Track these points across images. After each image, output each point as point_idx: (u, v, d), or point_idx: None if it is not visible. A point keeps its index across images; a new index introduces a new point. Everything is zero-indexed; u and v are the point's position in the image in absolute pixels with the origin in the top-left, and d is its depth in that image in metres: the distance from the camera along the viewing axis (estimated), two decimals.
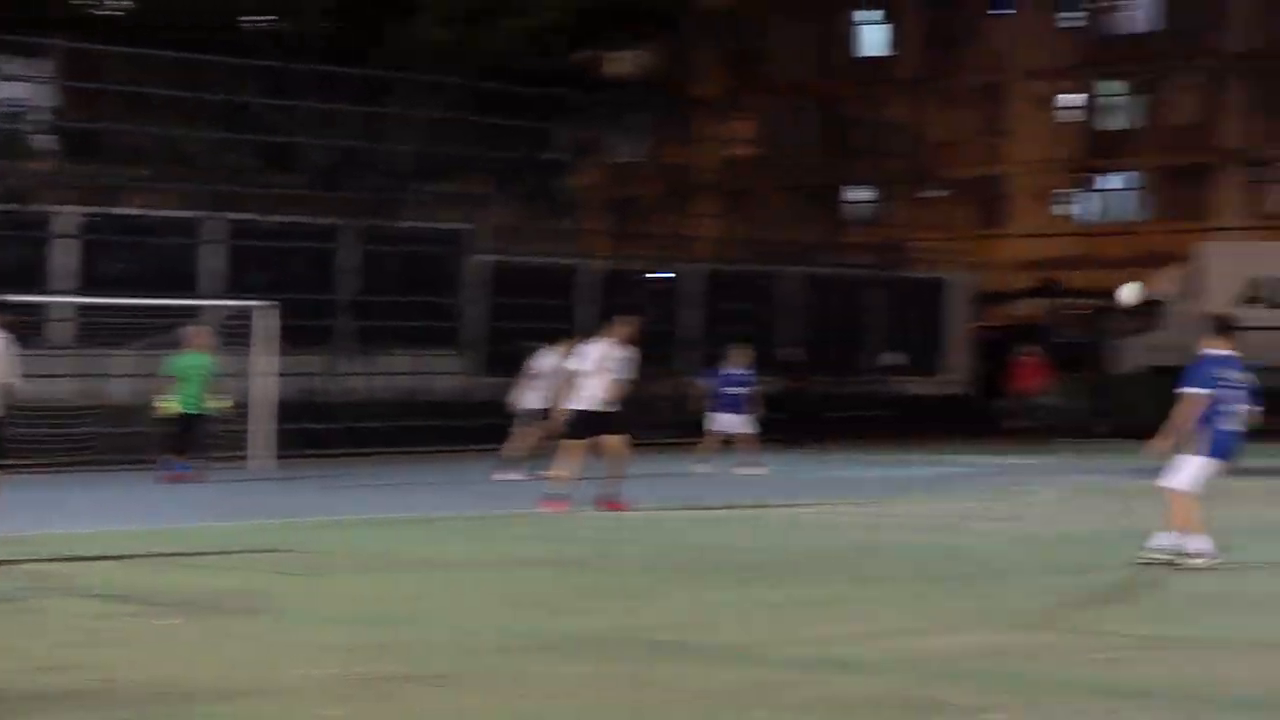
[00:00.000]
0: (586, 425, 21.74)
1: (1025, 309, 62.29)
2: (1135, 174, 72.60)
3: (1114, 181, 73.64)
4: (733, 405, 30.86)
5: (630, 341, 21.94)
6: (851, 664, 11.07)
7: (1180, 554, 15.98)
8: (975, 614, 13.26)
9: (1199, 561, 15.82)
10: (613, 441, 21.75)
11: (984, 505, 23.47)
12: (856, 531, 19.59)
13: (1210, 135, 69.79)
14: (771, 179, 48.77)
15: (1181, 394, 16.11)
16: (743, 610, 13.46)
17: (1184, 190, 70.75)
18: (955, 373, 46.50)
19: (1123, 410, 45.62)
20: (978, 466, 31.95)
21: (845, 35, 79.62)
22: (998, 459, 34.47)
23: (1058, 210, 73.90)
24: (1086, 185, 73.63)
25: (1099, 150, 72.61)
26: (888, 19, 78.76)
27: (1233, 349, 16.27)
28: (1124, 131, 72.84)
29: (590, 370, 21.76)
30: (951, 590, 14.75)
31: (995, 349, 51.86)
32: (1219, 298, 45.37)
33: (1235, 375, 16.15)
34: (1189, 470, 16.05)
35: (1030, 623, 12.80)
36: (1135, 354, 49.00)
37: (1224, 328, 16.56)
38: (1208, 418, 15.97)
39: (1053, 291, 60.83)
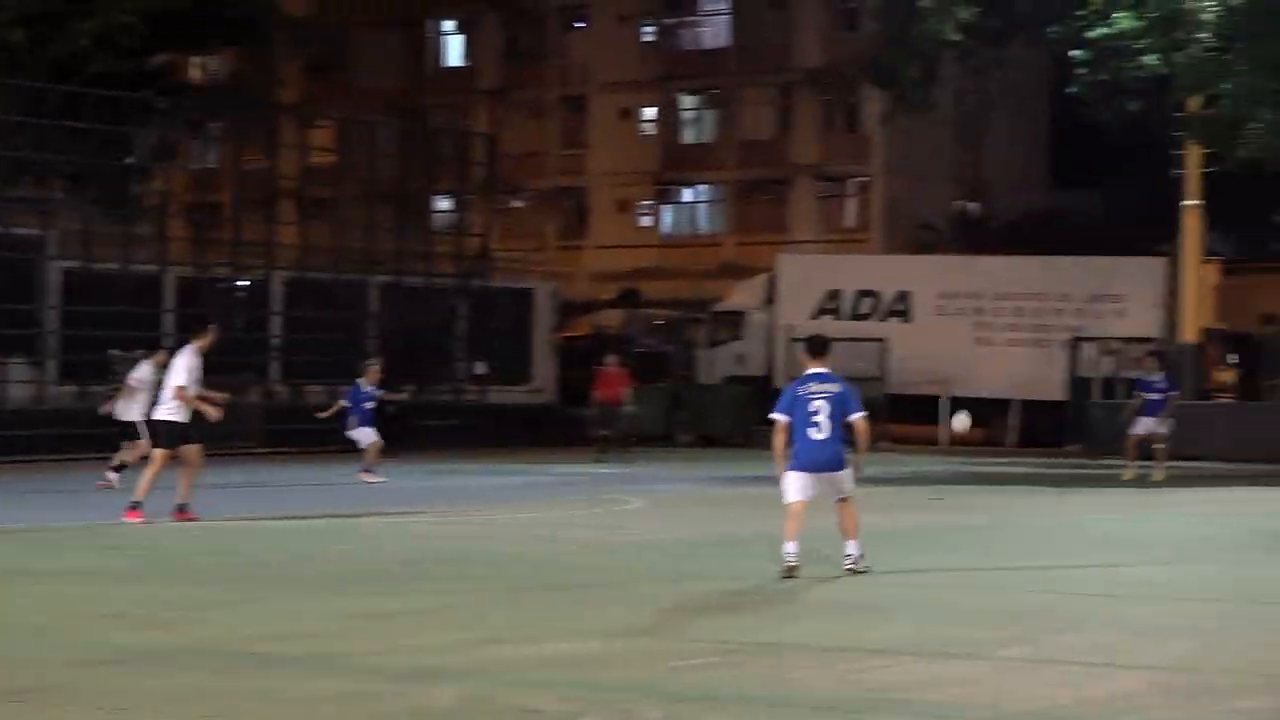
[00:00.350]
0: (170, 435, 21.35)
1: (607, 318, 62.94)
2: (714, 187, 73.94)
3: (693, 194, 74.91)
4: (368, 418, 30.67)
5: (210, 350, 21.57)
6: (444, 673, 10.97)
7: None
8: (569, 622, 13.25)
9: (789, 561, 16.04)
10: (189, 451, 21.38)
11: (576, 514, 23.54)
12: (450, 540, 19.47)
13: (784, 150, 71.46)
14: (354, 187, 48.30)
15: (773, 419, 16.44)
16: (336, 620, 13.26)
17: (761, 203, 72.36)
18: (541, 382, 46.71)
19: (703, 420, 46.43)
20: (567, 476, 32.10)
21: (426, 45, 79.70)
22: (586, 468, 34.69)
23: (638, 221, 74.88)
24: (666, 197, 74.77)
25: (678, 163, 73.85)
26: (465, 29, 79.06)
27: (826, 366, 16.62)
28: (702, 145, 74.22)
29: (172, 380, 21.41)
30: (545, 599, 14.72)
31: (579, 358, 52.23)
32: (796, 310, 46.51)
33: (823, 387, 16.37)
34: (784, 484, 16.32)
35: (623, 630, 12.82)
36: (716, 364, 49.87)
37: (818, 347, 16.93)
38: (797, 432, 16.25)
39: (633, 301, 61.60)
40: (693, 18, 74.69)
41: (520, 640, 12.30)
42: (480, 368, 42.71)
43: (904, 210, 68.52)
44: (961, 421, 33.75)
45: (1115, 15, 37.84)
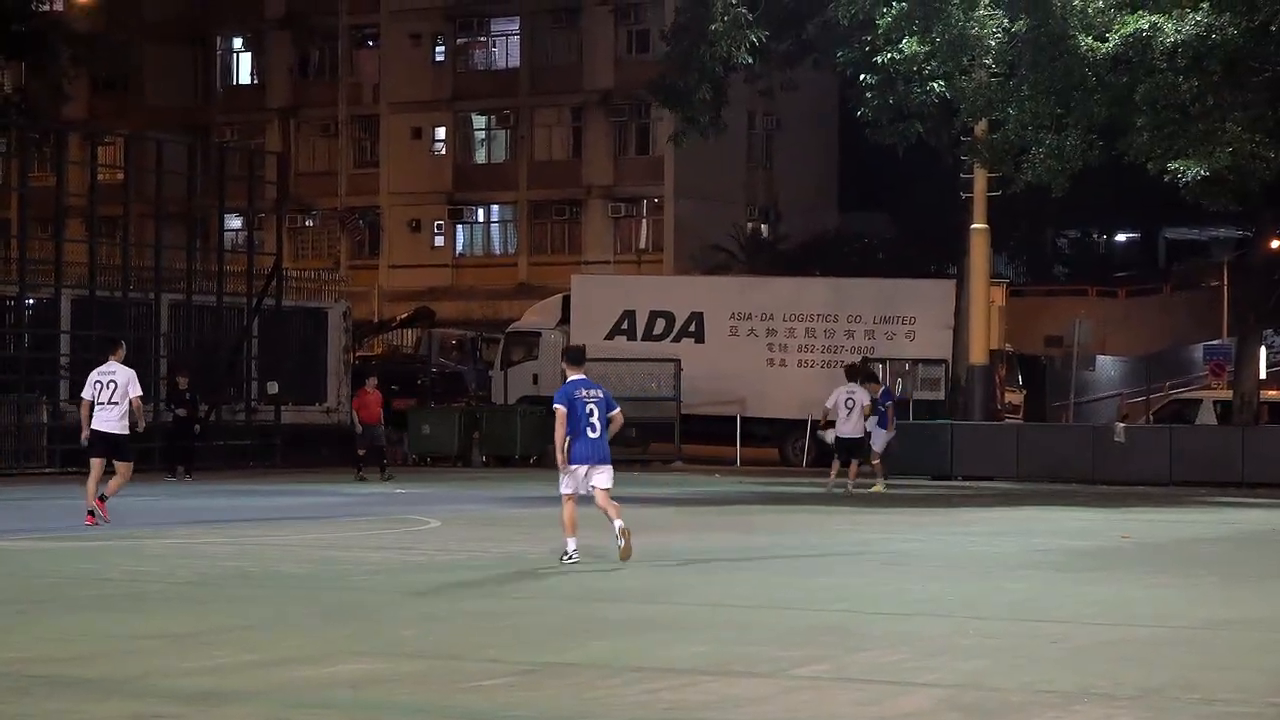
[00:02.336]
0: None
1: (401, 339, 62.72)
2: (507, 207, 73.98)
3: (486, 214, 74.90)
4: None
5: None
6: (236, 694, 10.86)
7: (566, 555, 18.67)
8: (363, 642, 13.16)
9: (568, 559, 18.56)
10: None
11: (371, 534, 23.40)
12: (242, 561, 19.25)
13: (577, 171, 71.70)
14: (143, 205, 47.70)
15: (555, 410, 18.79)
16: (125, 641, 13.06)
17: (554, 224, 72.52)
18: (335, 402, 46.39)
19: (499, 440, 46.37)
20: (362, 496, 31.89)
21: (216, 62, 78.98)
22: (380, 488, 34.50)
23: (432, 241, 74.72)
24: (460, 217, 74.68)
25: (471, 183, 73.85)
26: (255, 47, 78.48)
27: (583, 374, 19.10)
28: (495, 165, 74.30)
29: None
30: (339, 619, 14.61)
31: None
32: (590, 330, 46.63)
33: (592, 393, 18.81)
34: (564, 479, 18.80)
35: (418, 650, 12.77)
36: (511, 384, 49.84)
37: (578, 357, 19.52)
38: (577, 431, 18.63)
39: (428, 321, 61.40)
40: (484, 38, 74.74)
41: (313, 661, 12.21)
42: (273, 387, 42.34)
43: (696, 231, 69.02)
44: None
45: (902, 40, 38.40)
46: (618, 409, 18.93)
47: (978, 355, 43.73)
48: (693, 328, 48.17)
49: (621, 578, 17.79)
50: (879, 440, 36.06)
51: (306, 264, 63.69)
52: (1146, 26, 36.92)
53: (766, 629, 14.04)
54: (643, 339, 47.99)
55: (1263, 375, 56.37)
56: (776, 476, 42.03)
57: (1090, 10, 37.83)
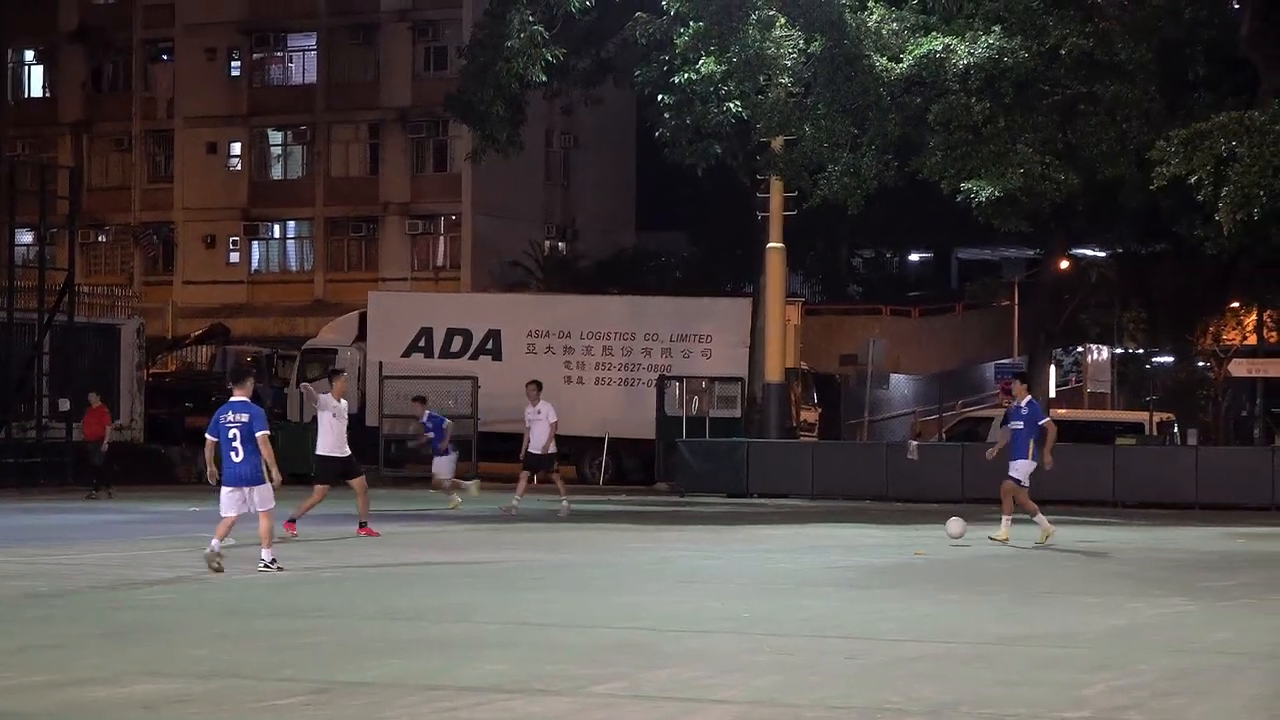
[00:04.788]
0: None
1: (196, 356, 61.98)
2: (303, 223, 73.43)
3: (282, 230, 74.29)
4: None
5: None
6: (20, 715, 10.70)
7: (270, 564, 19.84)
8: (157, 662, 12.96)
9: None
10: None
11: (165, 553, 23.06)
12: (34, 580, 18.89)
13: (374, 187, 71.36)
14: None
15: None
16: None
17: (351, 240, 72.11)
18: (127, 419, 45.70)
19: (293, 457, 45.79)
20: (156, 514, 31.44)
21: (7, 75, 77.66)
22: (175, 506, 34.04)
23: (227, 257, 73.96)
24: (255, 233, 74.00)
25: (267, 199, 73.23)
26: (46, 60, 77.29)
27: (245, 395, 19.78)
28: (291, 181, 73.74)
29: None
30: (134, 638, 14.39)
31: (167, 396, 51.35)
32: (387, 347, 46.39)
33: (237, 417, 19.37)
34: (222, 499, 19.67)
35: (211, 670, 12.61)
36: (306, 402, 49.36)
37: (236, 377, 20.46)
38: (223, 454, 19.44)
39: (223, 338, 60.74)
40: (280, 53, 74.17)
41: (106, 681, 12.01)
42: (64, 404, 41.64)
43: (494, 248, 68.97)
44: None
45: (700, 60, 38.67)
46: (262, 431, 19.42)
47: (773, 373, 44.08)
48: (490, 345, 48.07)
49: (419, 596, 17.69)
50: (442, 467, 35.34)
51: (99, 280, 62.75)
52: (940, 48, 37.52)
53: (564, 647, 14.02)
54: (440, 356, 47.82)
55: (1052, 394, 57.42)
56: (574, 494, 42.00)
57: (885, 32, 38.38)
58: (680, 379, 46.07)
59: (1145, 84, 38.39)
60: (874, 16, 38.68)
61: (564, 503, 33.12)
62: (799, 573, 21.20)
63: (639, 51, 41.84)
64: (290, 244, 74.34)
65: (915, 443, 43.46)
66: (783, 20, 38.50)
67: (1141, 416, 52.42)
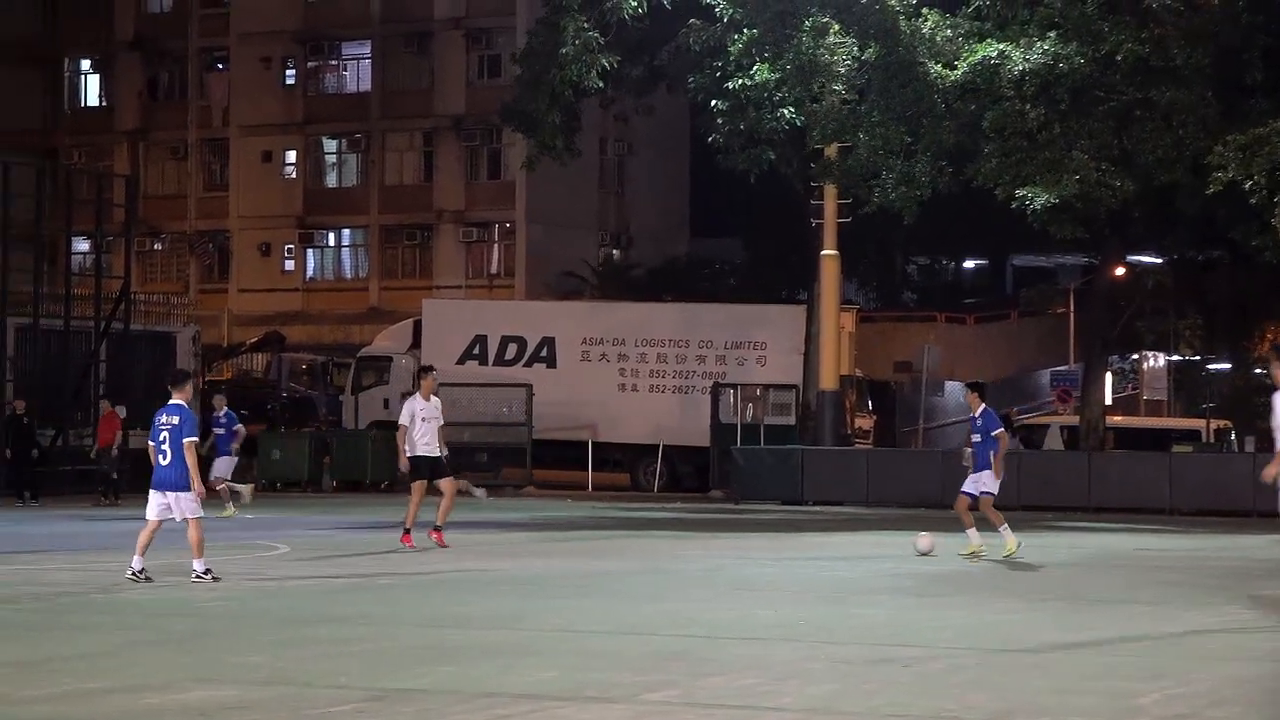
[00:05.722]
0: None
1: (251, 363, 62.21)
2: (358, 231, 73.63)
3: (337, 238, 74.51)
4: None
5: None
6: None
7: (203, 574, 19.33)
8: (211, 669, 13.01)
9: (130, 575, 19.16)
10: None
11: (221, 560, 23.09)
12: (88, 587, 18.98)
13: (429, 195, 71.48)
14: None
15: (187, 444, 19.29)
16: None
17: (406, 248, 72.24)
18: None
19: (349, 465, 46.05)
20: (212, 521, 31.43)
21: (64, 84, 78.08)
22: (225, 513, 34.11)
23: (282, 265, 74.23)
24: (310, 241, 74.23)
25: (322, 207, 73.42)
26: (103, 68, 77.68)
27: (183, 399, 19.63)
28: (346, 189, 73.92)
29: None
30: (188, 645, 14.44)
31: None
32: (442, 355, 46.48)
33: (169, 420, 19.22)
34: (149, 502, 19.45)
35: (266, 677, 12.64)
36: (361, 409, 49.55)
37: (173, 380, 20.24)
38: (156, 456, 19.30)
39: (278, 345, 60.95)
40: (335, 61, 74.40)
41: (161, 688, 12.04)
42: (121, 412, 41.79)
43: (548, 257, 69.00)
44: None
45: (753, 67, 38.63)
46: (190, 438, 19.20)
47: (828, 380, 43.97)
48: (544, 353, 48.12)
49: (472, 603, 17.71)
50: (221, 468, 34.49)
51: (155, 288, 63.08)
52: (995, 55, 37.39)
53: (616, 654, 14.01)
54: (494, 364, 47.88)
55: (1109, 401, 57.12)
56: (628, 501, 42.05)
57: (939, 39, 38.26)
58: (735, 386, 46.01)
59: (1201, 89, 38.19)
60: (928, 23, 38.59)
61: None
62: (854, 580, 21.15)
63: (693, 58, 41.82)
64: (345, 252, 74.55)
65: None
66: (836, 27, 38.43)
67: (1198, 424, 52.19)
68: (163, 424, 19.30)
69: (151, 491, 19.44)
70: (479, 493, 32.06)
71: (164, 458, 19.25)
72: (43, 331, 43.74)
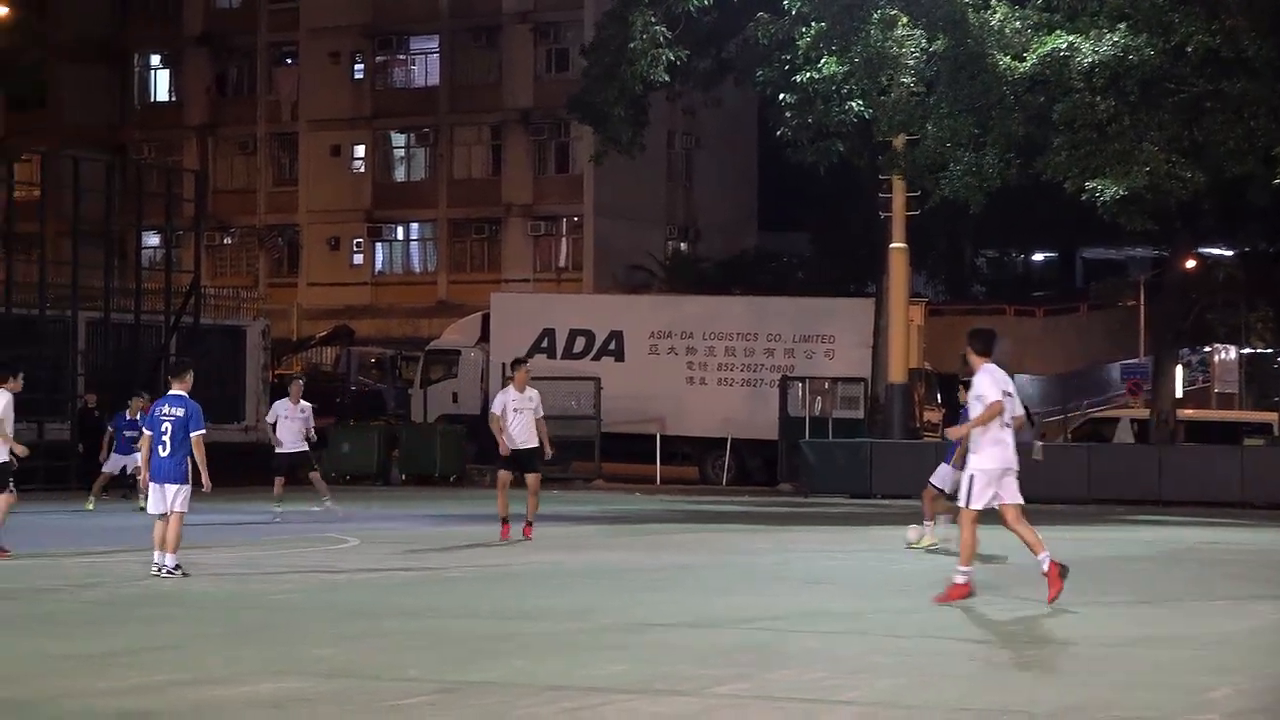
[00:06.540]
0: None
1: (320, 357, 62.48)
2: (426, 225, 73.84)
3: (406, 232, 74.75)
4: (125, 448, 32.91)
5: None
6: (148, 714, 10.82)
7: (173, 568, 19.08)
8: (284, 661, 13.09)
9: (166, 573, 18.92)
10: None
11: (292, 553, 23.27)
12: (160, 579, 19.08)
13: (496, 189, 71.61)
14: (59, 222, 47.32)
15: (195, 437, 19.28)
16: (31, 663, 12.92)
17: (474, 242, 72.40)
18: (253, 420, 46.12)
19: (418, 459, 46.16)
20: (282, 514, 31.63)
21: (133, 79, 78.55)
22: (299, 506, 34.26)
23: (351, 259, 74.51)
24: (379, 235, 74.49)
25: (390, 201, 73.65)
26: (172, 64, 78.10)
27: (183, 389, 19.34)
28: (414, 183, 74.14)
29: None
30: (260, 638, 14.53)
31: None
32: (510, 348, 46.50)
33: (172, 410, 19.13)
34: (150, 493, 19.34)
35: (339, 669, 12.70)
36: (430, 403, 49.67)
37: (173, 370, 20.07)
38: (155, 448, 19.13)
39: (347, 339, 61.21)
40: (403, 56, 74.62)
41: (232, 681, 12.13)
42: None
43: (616, 250, 69.04)
44: None
45: (821, 60, 38.54)
46: (198, 431, 19.07)
47: (897, 373, 43.87)
48: (612, 346, 48.13)
49: (540, 596, 17.75)
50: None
51: (225, 282, 63.39)
52: (1064, 47, 37.18)
53: (686, 647, 14.02)
54: (562, 357, 47.92)
55: (1179, 394, 56.83)
56: (696, 495, 42.05)
57: (1008, 30, 38.08)
58: (803, 379, 45.94)
59: (1273, 81, 37.90)
60: (997, 15, 38.42)
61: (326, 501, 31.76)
62: (922, 574, 21.10)
63: (760, 51, 41.75)
64: (413, 245, 74.78)
65: (1040, 443, 43.12)
66: (905, 19, 38.32)
67: (1270, 417, 51.82)
68: (164, 414, 19.17)
69: (152, 485, 19.36)
70: (327, 502, 30.88)
71: (164, 449, 19.10)
72: (113, 326, 44.06)
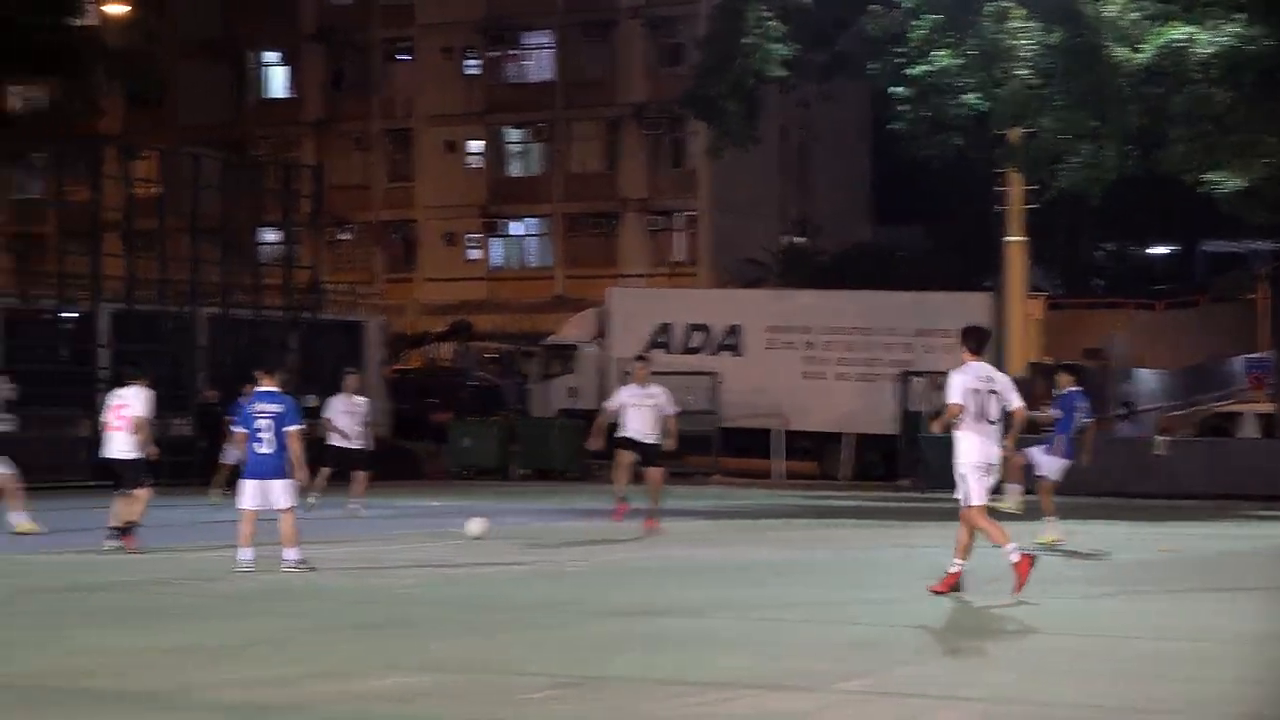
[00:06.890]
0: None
1: (439, 352, 62.81)
2: (542, 220, 74.08)
3: (521, 227, 74.99)
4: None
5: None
6: (270, 707, 10.92)
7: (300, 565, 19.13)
8: (405, 655, 13.18)
9: (242, 569, 18.97)
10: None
11: (414, 547, 23.41)
12: (281, 573, 19.26)
13: (612, 183, 71.74)
14: (178, 219, 47.81)
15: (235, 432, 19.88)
16: (153, 654, 13.08)
17: (590, 237, 72.56)
18: (373, 415, 46.39)
19: (537, 453, 46.30)
20: (403, 509, 31.88)
21: (249, 77, 79.23)
22: (419, 501, 34.50)
23: (467, 254, 74.85)
24: (495, 230, 74.78)
25: (506, 196, 73.93)
26: (288, 61, 78.72)
27: (276, 385, 19.49)
28: (530, 178, 74.38)
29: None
30: (381, 631, 14.64)
31: (411, 392, 52.01)
32: (628, 343, 46.59)
33: (267, 407, 19.15)
34: (239, 491, 19.45)
35: (461, 664, 12.78)
36: (549, 398, 49.79)
37: (268, 368, 19.85)
38: (249, 445, 19.22)
39: (465, 335, 61.50)
40: (516, 51, 74.87)
41: (355, 674, 12.22)
42: (311, 401, 42.40)
43: (731, 244, 68.99)
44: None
45: (935, 53, 38.36)
46: (295, 427, 19.15)
47: (1016, 368, 43.58)
48: (730, 340, 48.08)
49: (661, 591, 17.77)
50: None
51: (342, 277, 63.81)
52: (1181, 38, 36.83)
53: (806, 642, 14.02)
54: (680, 352, 47.89)
55: None
56: (815, 490, 41.97)
57: (1124, 21, 37.75)
58: (923, 374, 45.70)
59: None
60: (1113, 6, 38.10)
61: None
62: (1040, 569, 20.95)
63: (873, 45, 41.58)
64: (530, 240, 75.03)
65: (1163, 438, 42.74)
66: (1019, 11, 38.07)
67: None
68: (258, 411, 19.20)
69: (243, 480, 19.38)
70: (312, 498, 30.64)
71: (261, 445, 19.13)
72: (233, 321, 44.44)
